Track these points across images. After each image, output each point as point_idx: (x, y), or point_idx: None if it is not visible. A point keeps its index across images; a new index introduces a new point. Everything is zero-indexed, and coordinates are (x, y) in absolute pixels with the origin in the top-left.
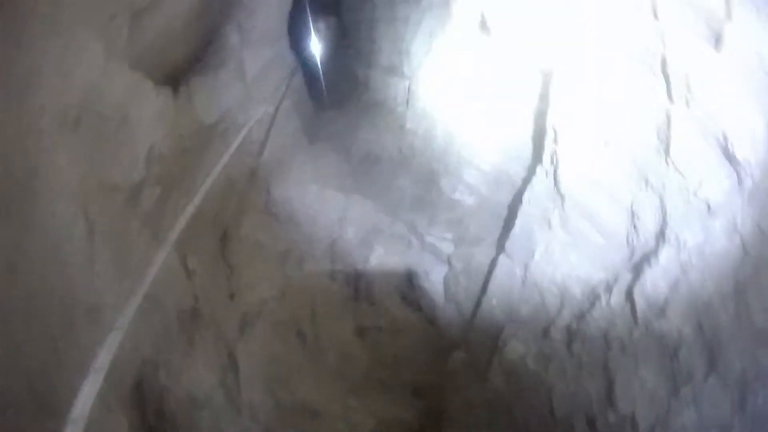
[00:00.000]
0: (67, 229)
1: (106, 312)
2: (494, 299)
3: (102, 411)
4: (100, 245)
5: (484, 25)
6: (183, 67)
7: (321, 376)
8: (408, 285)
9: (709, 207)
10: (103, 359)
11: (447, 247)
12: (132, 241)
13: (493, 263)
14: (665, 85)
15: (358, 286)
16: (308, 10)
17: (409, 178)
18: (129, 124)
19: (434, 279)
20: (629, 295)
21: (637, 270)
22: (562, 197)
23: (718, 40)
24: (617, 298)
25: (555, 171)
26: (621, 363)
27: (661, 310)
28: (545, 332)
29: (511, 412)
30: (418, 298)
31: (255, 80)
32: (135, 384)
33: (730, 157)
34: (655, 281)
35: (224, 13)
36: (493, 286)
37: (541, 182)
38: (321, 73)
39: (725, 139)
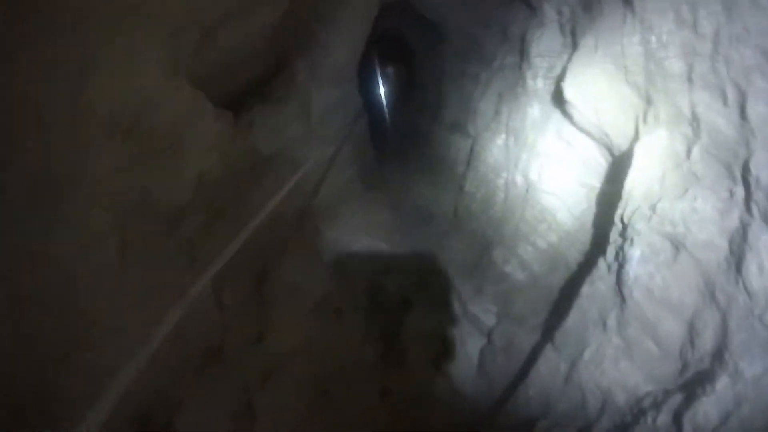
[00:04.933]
0: (99, 240)
1: (130, 335)
2: (531, 389)
3: None
4: (132, 264)
5: (558, 94)
6: (248, 94)
7: None
8: (442, 352)
9: None
10: (118, 385)
11: (489, 320)
12: (166, 265)
13: (537, 351)
14: (744, 192)
15: (391, 347)
16: (378, 56)
17: (461, 242)
18: (182, 145)
19: (470, 350)
20: (677, 418)
21: (690, 393)
22: (623, 300)
23: None
24: (664, 418)
25: (619, 270)
26: None
27: None
28: None
29: None
30: (451, 366)
31: (319, 119)
32: (144, 414)
33: None
34: (707, 410)
35: (297, 45)
36: (533, 375)
37: (601, 278)
38: (386, 121)
39: None
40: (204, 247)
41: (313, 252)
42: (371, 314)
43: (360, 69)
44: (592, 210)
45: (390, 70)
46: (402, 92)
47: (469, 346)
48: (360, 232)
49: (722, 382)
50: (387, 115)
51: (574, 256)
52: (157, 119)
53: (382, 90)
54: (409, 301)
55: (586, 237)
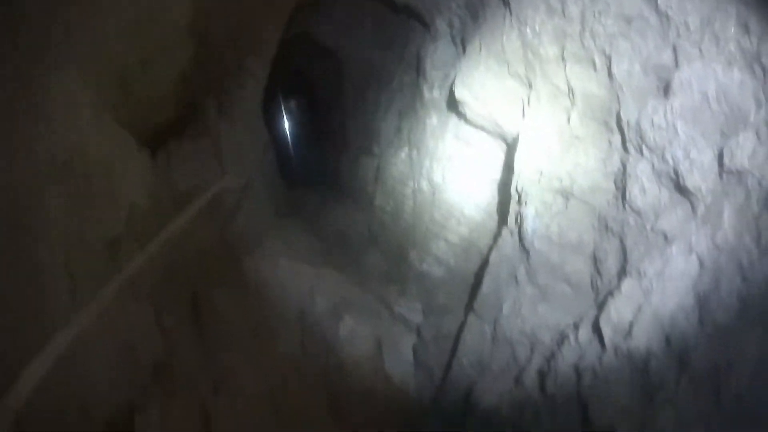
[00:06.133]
0: (51, 282)
1: (88, 360)
2: (464, 359)
3: None
4: (81, 295)
5: (452, 102)
6: (163, 133)
7: None
8: (378, 354)
9: (666, 237)
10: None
11: (416, 317)
12: (111, 293)
13: (462, 325)
14: (621, 138)
15: (329, 356)
16: (280, 90)
17: (378, 253)
18: (113, 180)
19: (403, 348)
20: (596, 327)
21: (602, 305)
22: (527, 253)
23: (667, 89)
24: (584, 332)
25: (519, 229)
26: (594, 388)
27: (627, 332)
28: (517, 380)
29: None
30: (388, 367)
31: (230, 153)
32: (108, 427)
33: (682, 190)
34: (619, 309)
35: (204, 88)
36: (462, 346)
37: (506, 243)
38: (292, 151)
39: (677, 174)
40: (140, 272)
41: (238, 280)
42: (304, 328)
43: (266, 103)
44: (496, 198)
45: (293, 102)
46: (306, 123)
47: (402, 345)
48: (280, 257)
49: (627, 284)
50: (294, 147)
51: (486, 243)
52: (90, 156)
53: (286, 123)
54: (337, 312)
55: (493, 224)
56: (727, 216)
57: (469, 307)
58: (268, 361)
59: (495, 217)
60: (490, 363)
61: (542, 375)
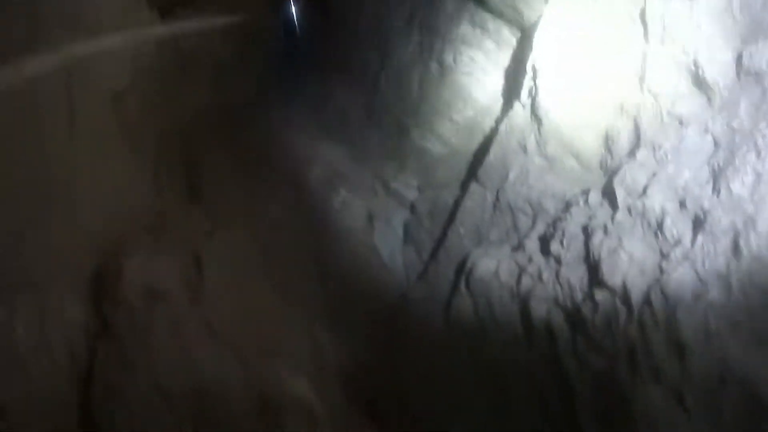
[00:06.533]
0: (49, 116)
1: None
2: (462, 227)
3: (58, 297)
4: (81, 140)
5: None
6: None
7: (282, 303)
8: (368, 228)
9: (681, 120)
10: None
11: (411, 194)
12: (111, 142)
13: (462, 193)
14: (643, 29)
15: (320, 225)
16: None
17: (379, 131)
18: (123, 34)
19: (395, 223)
20: (608, 188)
21: (614, 172)
22: (539, 121)
23: None
24: (595, 196)
25: (533, 101)
26: (604, 245)
27: (642, 194)
28: (517, 247)
29: (477, 346)
30: (378, 240)
31: (236, 25)
32: (95, 273)
33: (700, 82)
34: (633, 173)
35: None
36: (461, 214)
37: (517, 114)
38: (297, 35)
39: (696, 66)
40: (141, 127)
41: (236, 145)
42: (298, 197)
43: None
44: (504, 84)
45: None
46: (314, 9)
47: (393, 220)
48: (279, 127)
49: (642, 153)
50: (300, 31)
51: (490, 125)
52: (100, 9)
53: (294, 7)
54: (333, 183)
55: (499, 108)
56: (744, 107)
57: (471, 176)
58: (261, 219)
59: (501, 102)
60: (489, 231)
61: (546, 239)
